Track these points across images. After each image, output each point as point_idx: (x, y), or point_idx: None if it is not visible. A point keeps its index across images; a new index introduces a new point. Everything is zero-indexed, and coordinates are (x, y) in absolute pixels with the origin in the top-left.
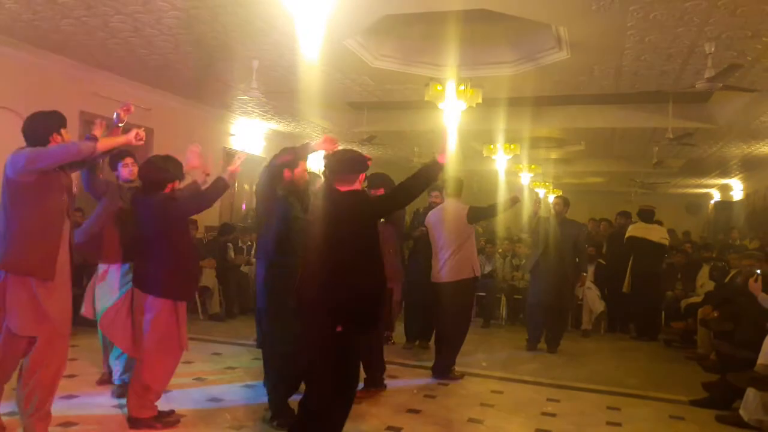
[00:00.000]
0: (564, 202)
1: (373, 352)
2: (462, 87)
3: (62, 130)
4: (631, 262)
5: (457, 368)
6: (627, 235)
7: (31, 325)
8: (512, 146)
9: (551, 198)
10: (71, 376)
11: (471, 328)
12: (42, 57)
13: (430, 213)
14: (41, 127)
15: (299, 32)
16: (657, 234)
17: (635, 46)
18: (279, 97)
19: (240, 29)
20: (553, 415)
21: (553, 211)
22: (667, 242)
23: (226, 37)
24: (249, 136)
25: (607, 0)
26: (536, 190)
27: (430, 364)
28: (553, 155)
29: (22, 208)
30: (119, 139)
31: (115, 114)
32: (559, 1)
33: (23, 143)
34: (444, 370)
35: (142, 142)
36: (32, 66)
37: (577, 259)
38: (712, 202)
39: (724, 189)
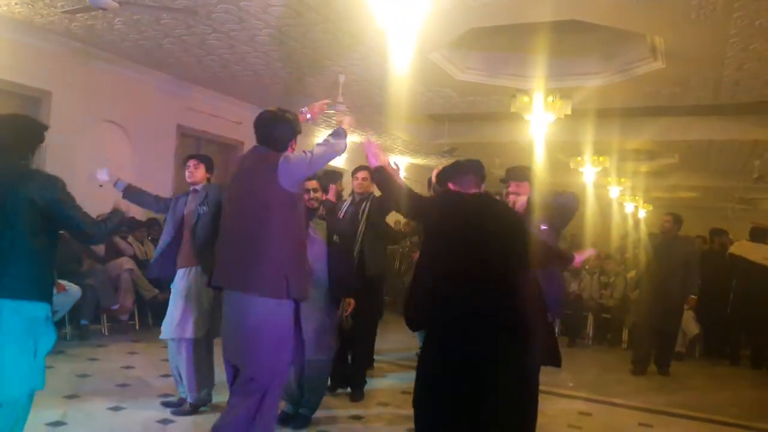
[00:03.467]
0: (674, 219)
1: None
2: (550, 98)
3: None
4: (734, 281)
5: (542, 387)
6: (728, 251)
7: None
8: (601, 158)
9: (641, 213)
10: (124, 385)
11: None
12: (144, 73)
13: None
14: (287, 130)
15: (387, 47)
16: (759, 253)
17: (738, 54)
18: (362, 110)
19: (329, 45)
20: None
21: (661, 228)
22: None
23: (315, 52)
24: None
25: (709, 8)
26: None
27: None
28: (644, 168)
29: (285, 223)
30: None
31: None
32: (655, 10)
33: (124, 155)
34: None
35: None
36: (135, 82)
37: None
38: None
39: None
